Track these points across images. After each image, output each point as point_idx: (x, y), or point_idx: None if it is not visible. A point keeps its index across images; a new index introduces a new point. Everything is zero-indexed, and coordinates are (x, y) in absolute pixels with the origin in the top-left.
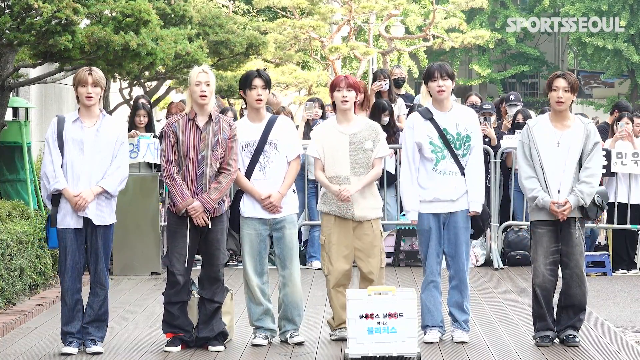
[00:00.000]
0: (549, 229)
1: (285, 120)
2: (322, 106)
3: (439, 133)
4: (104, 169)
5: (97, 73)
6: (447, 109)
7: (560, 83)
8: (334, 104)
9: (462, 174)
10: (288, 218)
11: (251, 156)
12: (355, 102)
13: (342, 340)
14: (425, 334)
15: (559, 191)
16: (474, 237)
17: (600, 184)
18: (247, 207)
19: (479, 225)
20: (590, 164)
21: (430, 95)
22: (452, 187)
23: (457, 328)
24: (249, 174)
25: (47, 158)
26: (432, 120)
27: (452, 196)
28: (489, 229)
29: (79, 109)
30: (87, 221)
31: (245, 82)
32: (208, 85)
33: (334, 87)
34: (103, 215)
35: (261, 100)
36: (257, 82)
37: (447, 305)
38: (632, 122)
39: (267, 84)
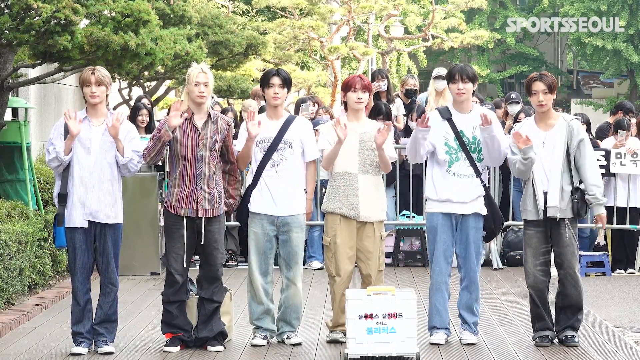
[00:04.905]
0: (538, 229)
1: (303, 121)
2: (314, 104)
3: (456, 134)
4: (113, 167)
5: (101, 72)
6: (467, 111)
7: (539, 87)
8: (345, 103)
9: (478, 177)
10: (296, 220)
11: (264, 152)
12: (367, 102)
13: (336, 342)
14: (431, 335)
15: (545, 192)
16: (486, 239)
17: None
18: (256, 203)
19: (490, 228)
20: (586, 165)
21: (437, 93)
22: (465, 190)
23: (466, 330)
24: (260, 169)
25: (50, 146)
26: (450, 120)
27: (464, 198)
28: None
29: (86, 108)
30: (95, 221)
31: (264, 80)
32: (206, 85)
33: (348, 87)
34: (111, 213)
35: (278, 98)
36: (275, 80)
37: (457, 306)
38: (629, 129)
39: (285, 83)
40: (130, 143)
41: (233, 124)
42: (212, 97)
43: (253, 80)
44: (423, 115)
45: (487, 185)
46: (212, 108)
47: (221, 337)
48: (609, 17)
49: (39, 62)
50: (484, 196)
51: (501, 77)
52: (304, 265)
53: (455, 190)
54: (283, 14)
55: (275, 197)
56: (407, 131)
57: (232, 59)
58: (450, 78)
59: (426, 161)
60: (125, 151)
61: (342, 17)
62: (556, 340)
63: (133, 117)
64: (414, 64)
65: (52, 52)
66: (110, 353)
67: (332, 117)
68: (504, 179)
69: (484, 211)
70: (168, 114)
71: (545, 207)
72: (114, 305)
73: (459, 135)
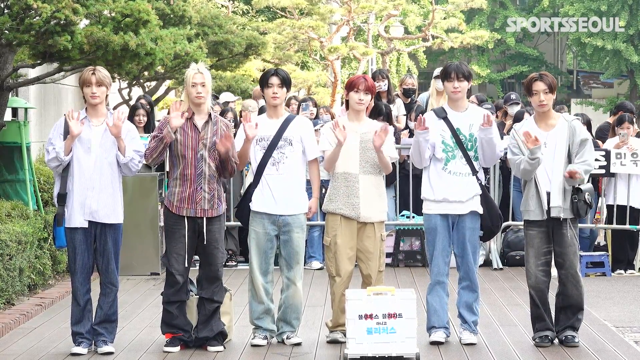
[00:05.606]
0: (540, 230)
1: (303, 119)
2: (315, 104)
3: (452, 132)
4: (113, 167)
5: (101, 72)
6: (462, 109)
7: (540, 87)
8: (347, 102)
9: (474, 175)
10: (297, 220)
11: (264, 151)
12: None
13: (335, 342)
14: (430, 335)
15: (548, 193)
16: (484, 238)
17: (600, 183)
18: (258, 202)
19: (488, 226)
20: (583, 157)
21: (438, 93)
22: (461, 189)
23: (465, 329)
24: (261, 168)
25: (50, 146)
26: (445, 119)
27: (461, 197)
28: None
29: (86, 108)
30: (95, 221)
31: (263, 80)
32: (204, 86)
33: (351, 87)
34: (111, 213)
35: (277, 97)
36: (274, 80)
37: (456, 306)
38: (632, 124)
39: (284, 82)
40: (131, 143)
41: (233, 125)
42: (216, 97)
43: (253, 81)
44: (419, 117)
45: (483, 183)
46: (212, 108)
47: (221, 337)
48: (609, 17)
49: (38, 62)
50: (480, 195)
51: (501, 77)
52: (304, 265)
53: (451, 190)
54: (283, 14)
55: (276, 196)
56: (408, 131)
57: (232, 59)
58: (445, 76)
59: None
60: (127, 150)
61: (342, 17)
62: (556, 341)
63: (130, 117)
64: (414, 64)
65: (52, 52)
66: (110, 353)
67: (332, 117)
68: (504, 179)
69: (480, 210)
70: (168, 113)
71: (549, 208)
72: (114, 306)
73: (455, 133)
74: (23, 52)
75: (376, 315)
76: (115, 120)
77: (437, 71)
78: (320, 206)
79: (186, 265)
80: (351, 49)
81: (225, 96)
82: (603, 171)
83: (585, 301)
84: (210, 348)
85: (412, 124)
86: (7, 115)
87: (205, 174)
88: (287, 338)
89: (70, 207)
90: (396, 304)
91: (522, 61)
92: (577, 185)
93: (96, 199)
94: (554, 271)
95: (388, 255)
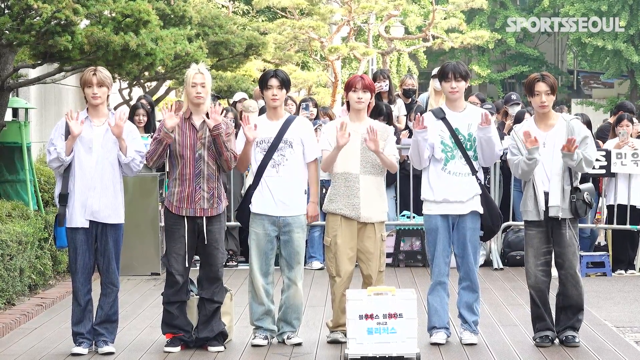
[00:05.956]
0: (540, 230)
1: (303, 121)
2: (315, 105)
3: (451, 132)
4: (114, 167)
5: (102, 73)
6: (460, 108)
7: (542, 88)
8: (347, 103)
9: (474, 175)
10: (297, 221)
11: (265, 153)
12: (369, 102)
13: (336, 342)
14: (431, 335)
15: (546, 193)
16: (484, 238)
17: (600, 183)
18: (257, 204)
19: (488, 226)
20: (586, 152)
21: (436, 93)
22: (461, 189)
23: (466, 330)
24: (261, 170)
25: (51, 146)
26: (444, 119)
27: (461, 197)
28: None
29: (87, 109)
30: (96, 221)
31: (262, 82)
32: (204, 86)
33: (349, 87)
34: (112, 213)
35: (277, 99)
36: (273, 82)
37: (457, 306)
38: (632, 122)
39: (284, 84)
40: (132, 143)
41: (233, 124)
42: (217, 98)
43: (253, 81)
44: (417, 117)
45: (482, 183)
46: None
47: (221, 337)
48: (609, 17)
49: (39, 62)
50: (480, 194)
51: (501, 77)
52: (304, 265)
53: (451, 190)
54: (283, 14)
55: (276, 197)
56: (408, 131)
57: (232, 59)
58: (442, 76)
59: None
60: (128, 151)
61: (342, 18)
62: (557, 341)
63: (131, 117)
64: (414, 64)
65: (53, 53)
66: (111, 353)
67: (331, 119)
68: (504, 179)
69: (481, 210)
70: None
71: (547, 208)
72: (115, 306)
73: (454, 133)
74: (23, 52)
75: (377, 315)
76: (117, 121)
77: (436, 71)
78: (321, 206)
79: (186, 265)
80: (351, 49)
81: (239, 95)
82: (603, 171)
83: (586, 301)
84: (210, 348)
85: (411, 124)
86: (8, 116)
87: (204, 173)
88: (288, 338)
89: (72, 207)
90: (397, 304)
91: (523, 61)
92: (571, 164)
93: (97, 199)
94: (554, 271)
95: (388, 255)
